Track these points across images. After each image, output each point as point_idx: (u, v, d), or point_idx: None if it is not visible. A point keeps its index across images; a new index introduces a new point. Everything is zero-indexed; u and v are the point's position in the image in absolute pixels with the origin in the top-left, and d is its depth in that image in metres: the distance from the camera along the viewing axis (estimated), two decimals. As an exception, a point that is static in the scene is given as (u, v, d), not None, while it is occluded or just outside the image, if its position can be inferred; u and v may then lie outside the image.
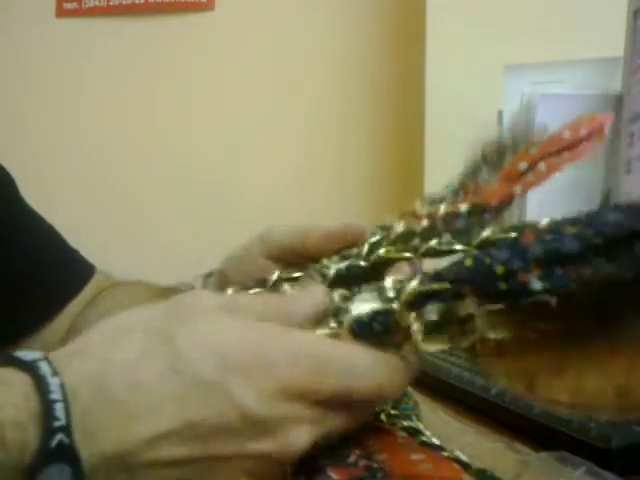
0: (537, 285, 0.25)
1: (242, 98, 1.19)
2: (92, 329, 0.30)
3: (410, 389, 0.51)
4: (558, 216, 0.30)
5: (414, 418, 0.42)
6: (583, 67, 0.86)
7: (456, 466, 0.29)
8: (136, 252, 1.12)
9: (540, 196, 0.84)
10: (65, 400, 0.25)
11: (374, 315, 0.29)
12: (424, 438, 0.37)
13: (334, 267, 0.39)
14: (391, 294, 0.29)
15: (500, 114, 0.91)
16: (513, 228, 0.28)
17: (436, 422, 0.45)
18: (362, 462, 0.27)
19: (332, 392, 0.28)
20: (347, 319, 0.29)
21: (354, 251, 0.40)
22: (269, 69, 1.19)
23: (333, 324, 0.29)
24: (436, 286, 0.27)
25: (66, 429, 0.25)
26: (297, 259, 0.44)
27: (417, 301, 0.28)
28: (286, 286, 0.40)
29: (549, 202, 0.84)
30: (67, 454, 0.25)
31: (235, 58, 1.18)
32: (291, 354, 0.28)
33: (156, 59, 1.19)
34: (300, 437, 0.27)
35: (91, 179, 1.16)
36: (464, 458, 0.33)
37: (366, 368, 0.29)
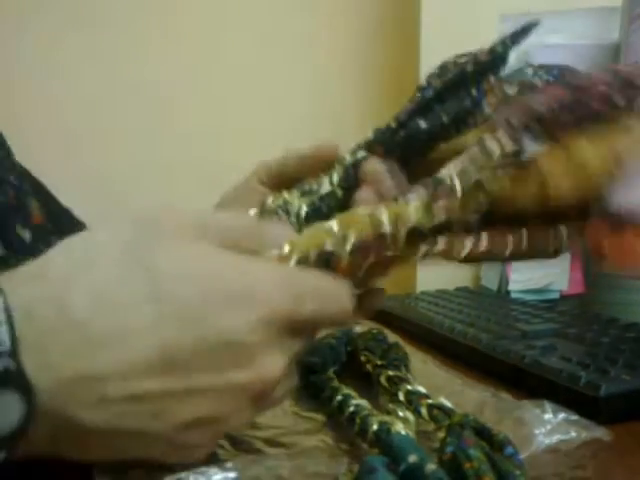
0: None
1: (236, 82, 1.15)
2: (54, 251, 0.27)
3: (400, 340, 0.51)
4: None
5: (402, 368, 0.42)
6: (580, 17, 0.84)
7: None
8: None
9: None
10: (10, 322, 0.23)
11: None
12: (409, 387, 0.37)
13: (297, 204, 0.41)
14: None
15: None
16: None
17: (425, 372, 0.46)
18: None
19: (309, 317, 0.28)
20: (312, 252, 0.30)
21: (313, 186, 0.42)
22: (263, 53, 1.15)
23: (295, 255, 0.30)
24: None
25: (12, 353, 0.23)
26: (291, 184, 0.44)
27: None
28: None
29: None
30: (15, 380, 0.23)
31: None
32: (273, 282, 0.27)
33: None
34: (275, 364, 0.27)
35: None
36: (449, 405, 0.33)
37: (338, 294, 0.29)
